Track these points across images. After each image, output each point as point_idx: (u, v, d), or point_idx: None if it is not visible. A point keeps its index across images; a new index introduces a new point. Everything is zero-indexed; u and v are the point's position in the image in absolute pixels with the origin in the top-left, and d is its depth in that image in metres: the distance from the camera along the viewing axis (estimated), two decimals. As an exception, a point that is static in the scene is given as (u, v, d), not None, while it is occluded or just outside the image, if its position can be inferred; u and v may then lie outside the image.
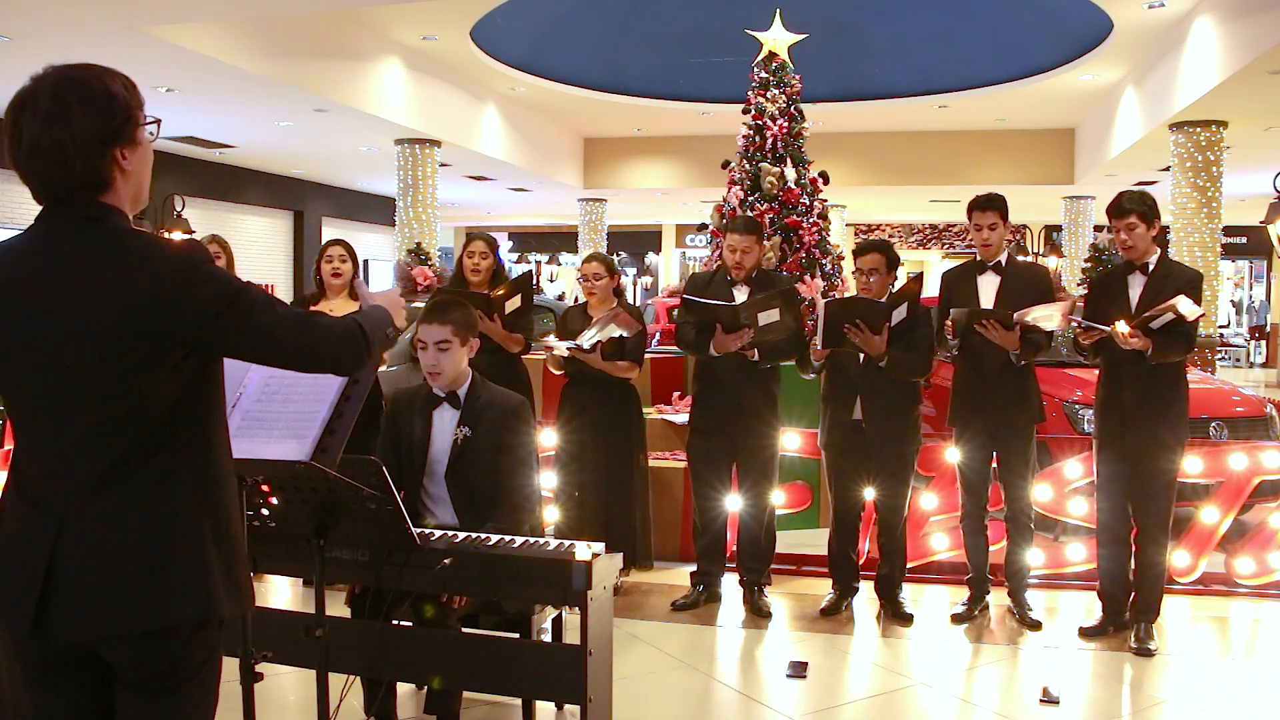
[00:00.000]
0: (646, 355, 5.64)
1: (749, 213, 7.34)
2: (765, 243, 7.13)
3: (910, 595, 4.74)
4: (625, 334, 4.66)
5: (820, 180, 7.78)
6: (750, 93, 7.90)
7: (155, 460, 1.75)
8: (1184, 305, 3.95)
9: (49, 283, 1.72)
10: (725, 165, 7.94)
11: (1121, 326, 4.01)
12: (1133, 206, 4.13)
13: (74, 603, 1.70)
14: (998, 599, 4.65)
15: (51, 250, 1.75)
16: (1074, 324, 4.27)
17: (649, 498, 5.17)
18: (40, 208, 1.80)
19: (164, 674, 1.77)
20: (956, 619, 4.54)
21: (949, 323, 4.41)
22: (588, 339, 4.62)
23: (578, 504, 4.86)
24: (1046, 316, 4.22)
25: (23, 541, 1.74)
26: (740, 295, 4.60)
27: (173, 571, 1.74)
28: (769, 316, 4.35)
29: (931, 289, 5.27)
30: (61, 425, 1.74)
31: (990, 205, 4.41)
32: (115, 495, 1.72)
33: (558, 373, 4.97)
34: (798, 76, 7.96)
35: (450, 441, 3.30)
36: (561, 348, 4.70)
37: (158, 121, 1.85)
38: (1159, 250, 4.22)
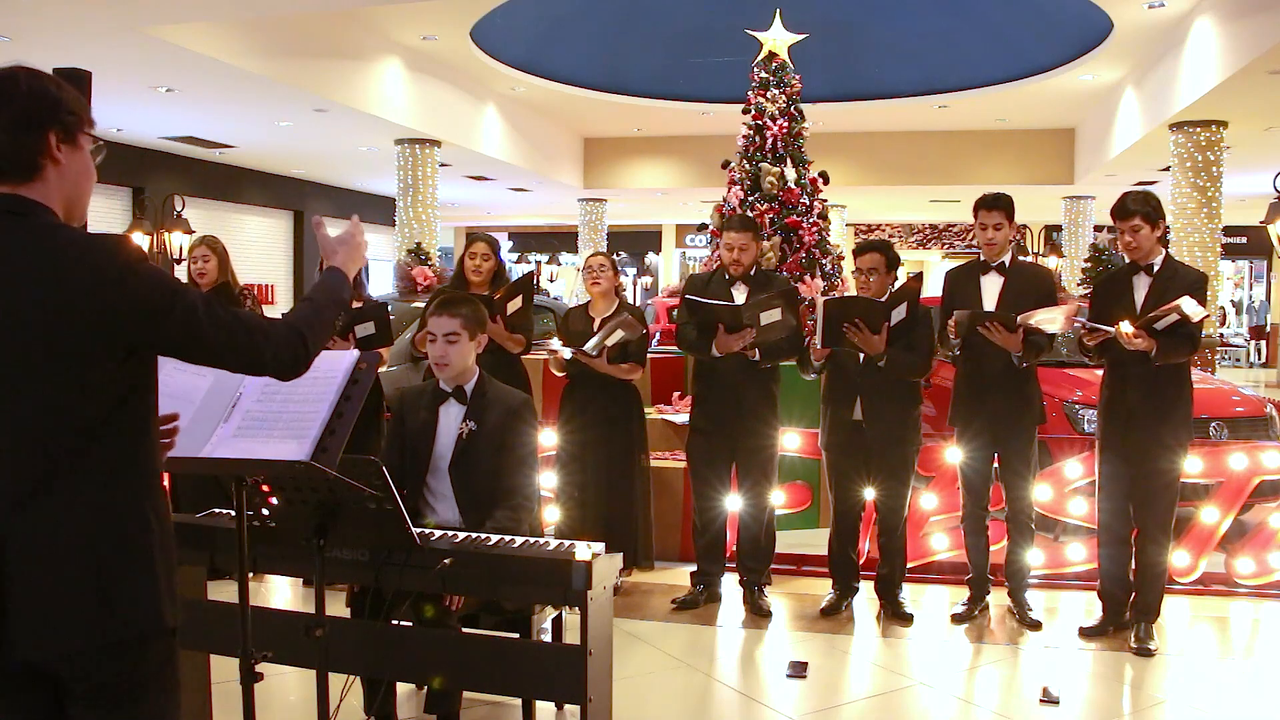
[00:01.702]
0: (647, 355, 5.65)
1: (749, 213, 7.34)
2: (765, 242, 7.15)
3: (910, 595, 4.74)
4: (630, 338, 4.68)
5: (820, 180, 7.78)
6: (750, 93, 7.90)
7: (93, 467, 1.69)
8: (1188, 306, 3.94)
9: None
10: (725, 165, 7.95)
11: (1126, 327, 4.01)
12: (1138, 208, 4.12)
13: (28, 622, 1.64)
14: (998, 599, 4.65)
15: None
16: (1078, 325, 4.26)
17: (650, 498, 5.18)
18: None
19: (117, 684, 1.71)
20: (956, 619, 4.54)
21: (951, 323, 4.40)
22: (593, 344, 4.64)
23: (579, 504, 4.87)
24: (1050, 319, 4.22)
25: None
26: (739, 294, 4.60)
27: (122, 584, 1.69)
28: (770, 316, 4.36)
29: (931, 289, 5.27)
30: None
31: (996, 205, 4.40)
32: (54, 504, 1.66)
33: (560, 374, 4.98)
34: (798, 76, 7.97)
35: (455, 436, 3.32)
36: (565, 352, 4.71)
37: (102, 145, 1.82)
38: (1164, 251, 4.22)
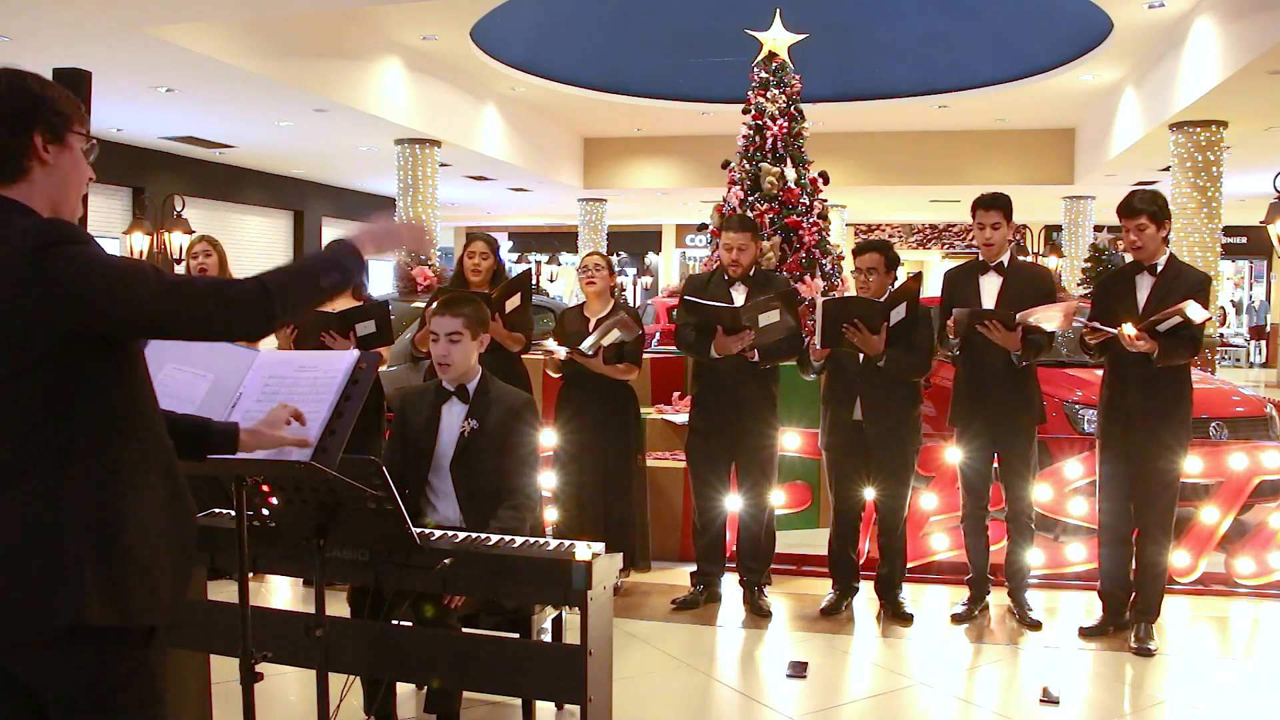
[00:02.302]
0: (646, 355, 5.65)
1: (749, 213, 7.34)
2: (765, 242, 7.14)
3: (910, 595, 4.74)
4: (626, 338, 4.68)
5: (820, 180, 7.78)
6: (750, 93, 7.90)
7: (48, 458, 1.66)
8: (1192, 310, 3.95)
9: None
10: (725, 165, 7.94)
11: (1128, 329, 4.00)
12: (1144, 207, 4.12)
13: None
14: (998, 599, 4.65)
15: None
16: (1079, 324, 4.26)
17: (647, 498, 5.17)
18: None
19: (80, 691, 1.69)
20: (956, 619, 4.54)
21: (950, 322, 4.40)
22: (589, 344, 4.63)
23: (575, 505, 4.86)
24: (1049, 318, 4.22)
25: None
26: (738, 294, 4.60)
27: (41, 575, 1.63)
28: (769, 318, 4.36)
29: (931, 289, 5.27)
30: None
31: (994, 205, 4.40)
32: (3, 498, 1.64)
33: (556, 375, 4.98)
34: (798, 76, 7.97)
35: (457, 435, 3.32)
36: (561, 352, 4.70)
37: (94, 144, 1.81)
38: (1168, 251, 4.21)
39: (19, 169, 1.71)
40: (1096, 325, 4.14)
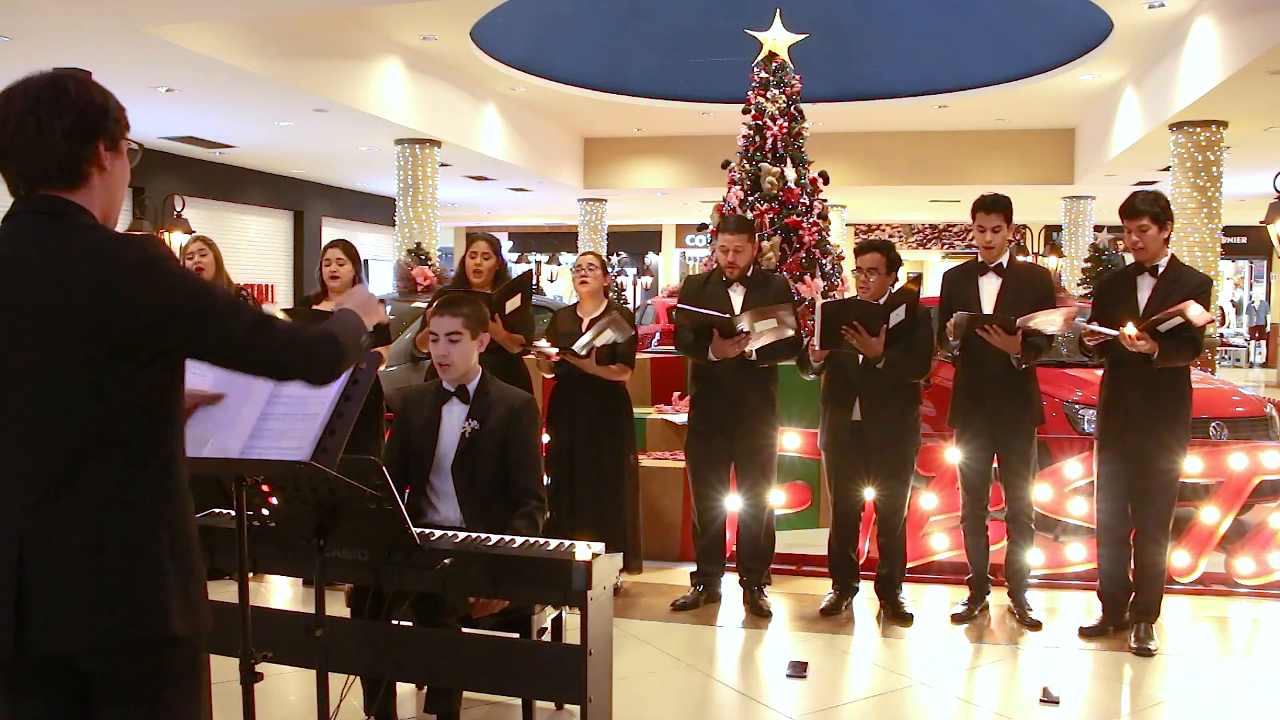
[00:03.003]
0: (647, 355, 5.65)
1: (749, 213, 7.34)
2: (765, 242, 7.15)
3: (910, 595, 4.74)
4: (619, 339, 4.67)
5: (820, 180, 7.78)
6: (750, 93, 7.90)
7: (114, 467, 1.70)
8: (1194, 311, 3.95)
9: (4, 283, 1.68)
10: (725, 165, 7.95)
11: (1129, 329, 4.00)
12: (1146, 208, 4.12)
13: (45, 617, 1.66)
14: (998, 599, 4.65)
15: (9, 250, 1.70)
16: (1080, 325, 4.26)
17: (639, 499, 5.15)
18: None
19: (141, 682, 1.73)
20: (956, 619, 4.54)
21: (951, 324, 4.40)
22: (582, 344, 4.63)
23: (568, 505, 4.85)
24: (1049, 321, 4.22)
25: None
26: (736, 296, 4.61)
27: (132, 587, 1.68)
28: (765, 325, 4.36)
29: (931, 289, 5.27)
30: (17, 431, 1.68)
31: (995, 207, 4.39)
32: (74, 504, 1.67)
33: (548, 376, 4.98)
34: (798, 76, 7.97)
35: (458, 436, 3.32)
36: (552, 352, 4.70)
37: (139, 149, 1.84)
38: (1169, 253, 4.21)
39: (82, 176, 1.75)
40: (1095, 328, 4.14)
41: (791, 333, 4.40)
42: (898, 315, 4.33)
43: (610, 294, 5.10)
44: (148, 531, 1.72)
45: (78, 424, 1.68)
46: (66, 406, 1.67)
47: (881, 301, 4.44)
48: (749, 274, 4.66)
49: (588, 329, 4.73)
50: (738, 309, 4.55)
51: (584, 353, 4.64)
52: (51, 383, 1.67)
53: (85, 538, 1.67)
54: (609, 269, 5.16)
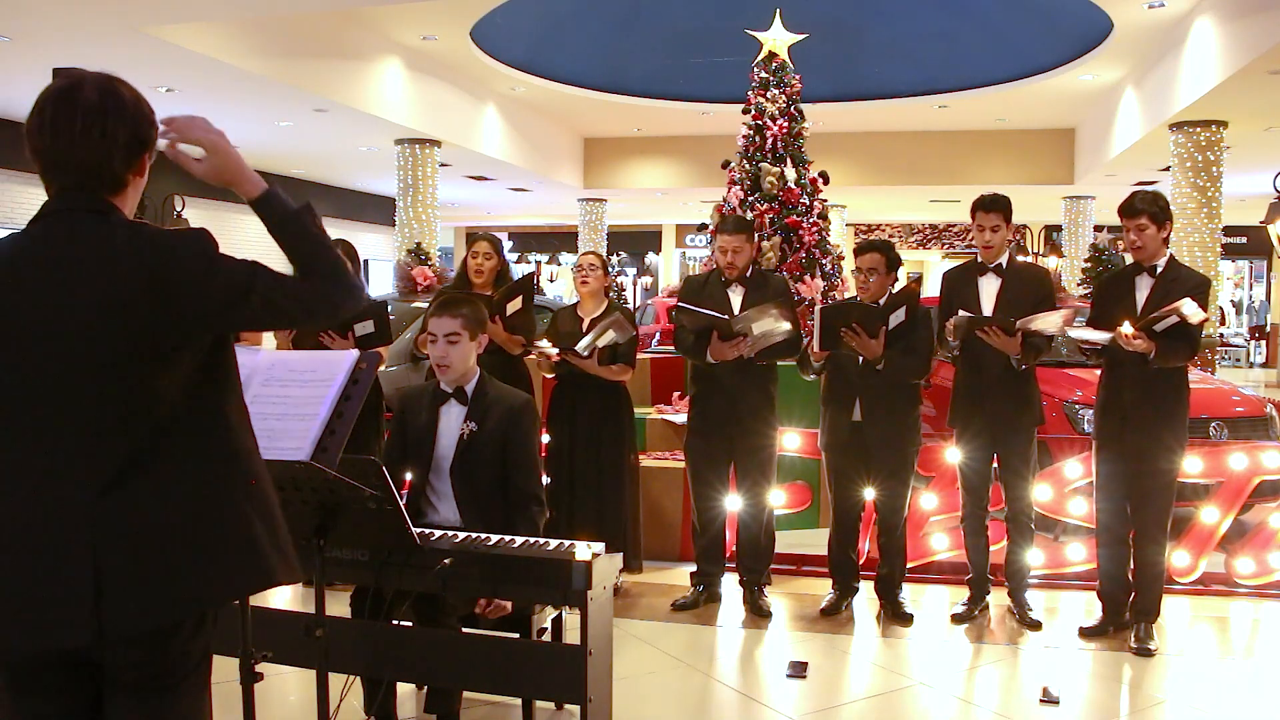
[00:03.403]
0: (647, 355, 5.65)
1: (749, 213, 7.34)
2: (765, 242, 7.14)
3: (910, 595, 4.74)
4: (620, 339, 4.67)
5: (820, 180, 7.77)
6: (750, 93, 7.90)
7: (177, 444, 1.73)
8: (1188, 308, 3.94)
9: (61, 279, 1.69)
10: (725, 165, 7.94)
11: (1126, 328, 4.00)
12: (1145, 207, 4.12)
13: (130, 597, 1.66)
14: (998, 599, 4.65)
15: (61, 248, 1.72)
16: (1073, 335, 4.27)
17: (640, 499, 5.16)
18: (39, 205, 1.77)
19: (162, 673, 1.74)
20: (956, 619, 4.54)
21: (950, 325, 4.40)
22: (584, 345, 4.63)
23: (567, 505, 4.85)
24: (1048, 323, 4.22)
25: (49, 550, 1.66)
26: (735, 296, 4.61)
27: (224, 546, 1.74)
28: (764, 325, 4.36)
29: (931, 289, 5.27)
30: (81, 421, 1.69)
31: (994, 207, 4.40)
32: (142, 484, 1.70)
33: (549, 376, 4.98)
34: (798, 76, 7.96)
35: (456, 437, 3.32)
36: (553, 352, 4.70)
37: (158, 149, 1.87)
38: (1168, 253, 4.21)
39: (124, 183, 1.80)
40: (1086, 337, 4.16)
41: (788, 325, 4.40)
42: (897, 317, 4.33)
43: (611, 294, 5.09)
44: (225, 491, 1.76)
45: (142, 408, 1.71)
46: (130, 393, 1.70)
47: (881, 302, 4.44)
48: (748, 274, 4.66)
49: (588, 328, 4.73)
50: (737, 309, 4.55)
51: (585, 353, 4.64)
52: (115, 371, 1.69)
53: (165, 511, 1.70)
54: (609, 269, 5.15)
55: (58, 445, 1.70)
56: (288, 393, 2.20)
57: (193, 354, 1.75)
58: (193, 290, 1.71)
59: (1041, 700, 3.69)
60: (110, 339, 1.68)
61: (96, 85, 1.75)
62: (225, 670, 2.44)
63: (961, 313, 4.36)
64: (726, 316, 4.43)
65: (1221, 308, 19.80)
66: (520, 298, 4.81)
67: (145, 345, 1.70)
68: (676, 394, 6.52)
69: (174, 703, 1.77)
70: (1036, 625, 4.45)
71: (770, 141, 7.65)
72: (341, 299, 1.87)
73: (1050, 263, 17.28)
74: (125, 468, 1.69)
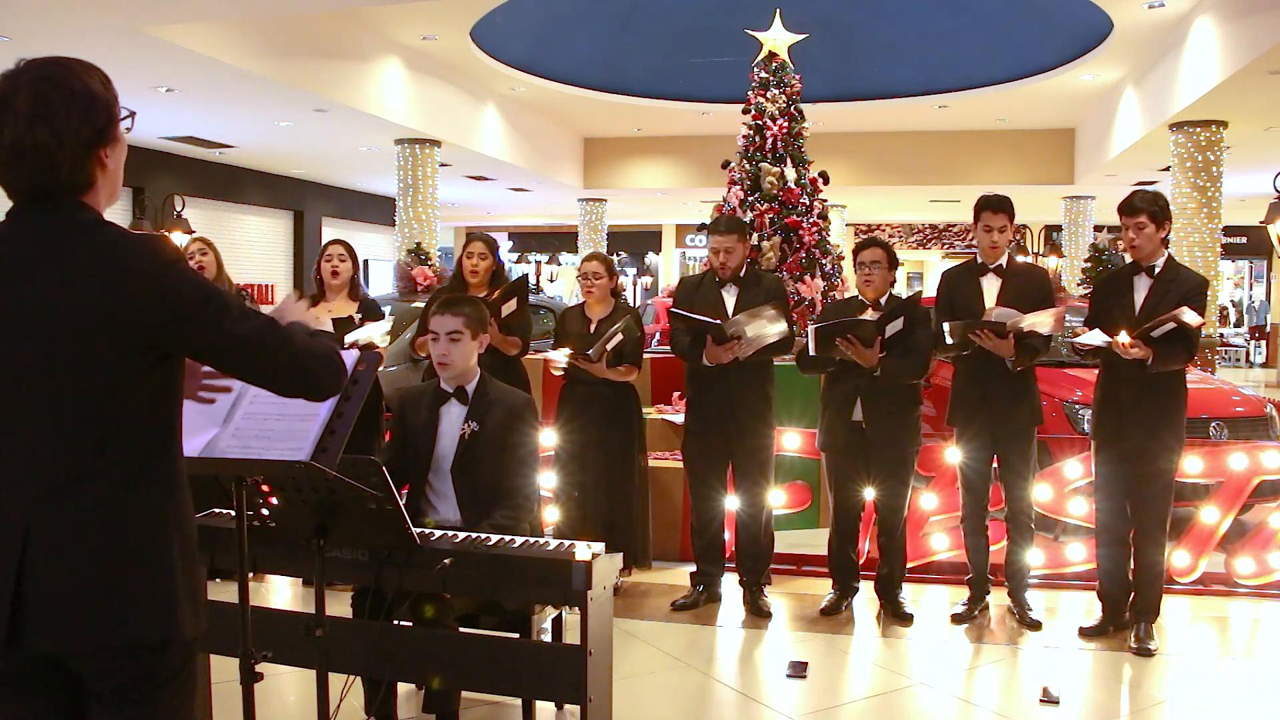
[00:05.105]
0: (646, 355, 5.64)
1: (749, 213, 7.34)
2: (765, 242, 7.14)
3: (910, 595, 4.74)
4: (625, 342, 4.69)
5: (820, 180, 7.77)
6: (750, 93, 7.89)
7: (121, 465, 1.69)
8: (1187, 315, 3.94)
9: (12, 281, 1.66)
10: (725, 165, 7.94)
11: (1123, 337, 4.00)
12: (1144, 206, 4.12)
13: (44, 615, 1.64)
14: (998, 599, 4.65)
15: (16, 248, 1.69)
16: (1075, 343, 4.27)
17: (649, 498, 5.18)
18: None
19: (135, 684, 1.71)
20: (956, 619, 4.54)
21: (948, 329, 4.40)
22: (595, 350, 4.66)
23: (578, 504, 4.87)
24: (1040, 322, 4.22)
25: None
26: (729, 296, 4.62)
27: (141, 588, 1.68)
28: (757, 327, 4.36)
29: (931, 289, 5.27)
30: (23, 427, 1.67)
31: (1001, 208, 4.41)
32: (80, 501, 1.66)
33: (558, 374, 4.99)
34: (798, 76, 7.95)
35: (457, 437, 3.32)
36: (563, 360, 4.72)
37: (132, 114, 1.80)
38: (1166, 253, 4.21)
39: (89, 182, 1.74)
40: (1084, 342, 4.16)
41: (783, 326, 4.40)
42: (894, 327, 4.33)
43: (618, 295, 5.09)
44: (157, 531, 1.71)
45: (85, 421, 1.67)
46: (74, 404, 1.67)
47: (883, 300, 4.45)
48: (742, 274, 4.66)
49: (596, 329, 4.76)
50: (731, 310, 4.55)
51: (595, 358, 4.66)
52: (60, 381, 1.66)
53: (92, 537, 1.66)
54: (615, 269, 5.13)
55: (15, 452, 1.67)
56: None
57: (143, 373, 1.70)
58: (138, 303, 1.66)
59: (1041, 700, 3.69)
60: (59, 349, 1.65)
61: (31, 91, 1.66)
62: (225, 670, 2.44)
63: (955, 321, 4.37)
64: (719, 322, 4.43)
65: (1223, 307, 19.82)
66: (516, 299, 4.81)
67: (91, 358, 1.66)
68: (676, 394, 6.52)
69: (152, 713, 1.73)
70: (1036, 625, 4.44)
71: (770, 141, 7.64)
72: (313, 372, 1.83)
73: (1050, 263, 17.25)
74: (64, 481, 1.66)
